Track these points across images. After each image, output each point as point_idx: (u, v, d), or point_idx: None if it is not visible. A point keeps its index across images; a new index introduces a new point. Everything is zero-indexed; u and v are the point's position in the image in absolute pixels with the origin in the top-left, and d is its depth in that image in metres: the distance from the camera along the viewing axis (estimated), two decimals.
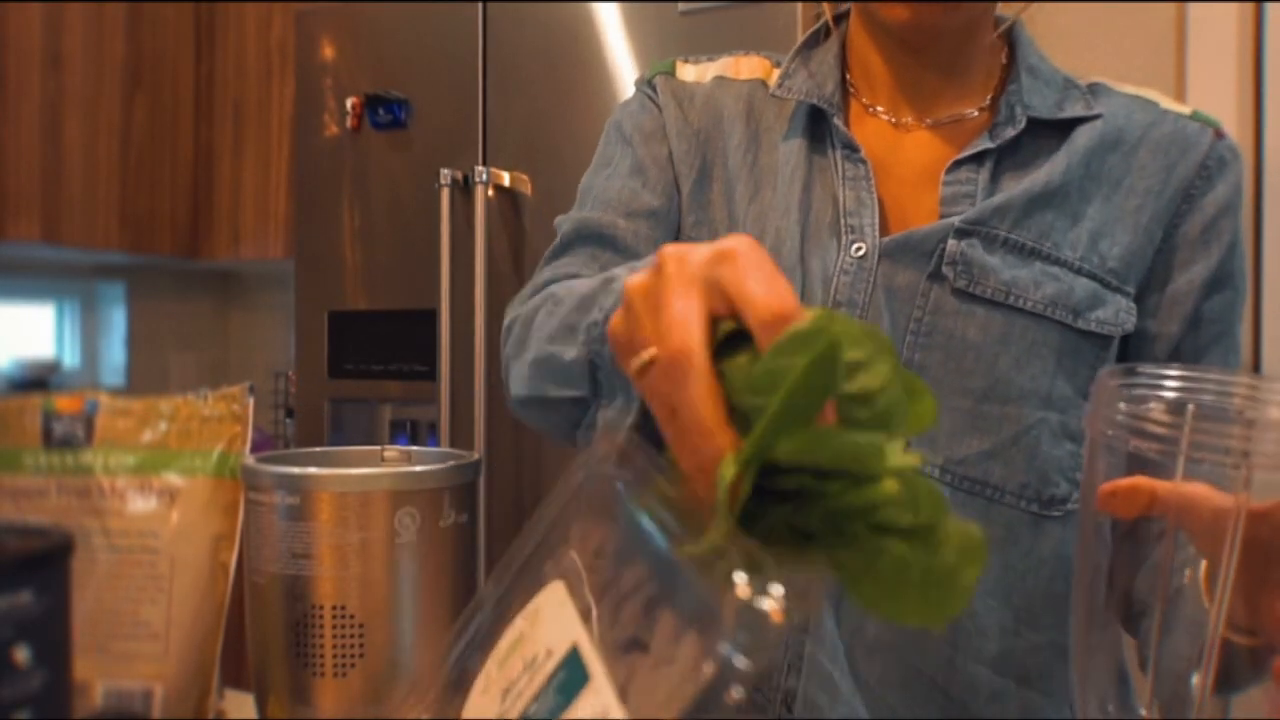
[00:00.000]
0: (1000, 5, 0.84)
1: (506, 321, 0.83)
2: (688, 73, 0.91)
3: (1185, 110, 0.83)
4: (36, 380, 2.75)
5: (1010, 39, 0.86)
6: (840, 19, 0.89)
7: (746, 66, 0.90)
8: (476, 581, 0.70)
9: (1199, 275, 0.80)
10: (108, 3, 2.63)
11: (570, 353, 0.69)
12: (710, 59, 0.92)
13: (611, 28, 1.90)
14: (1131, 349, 0.81)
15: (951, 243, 0.77)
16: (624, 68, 1.89)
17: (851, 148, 0.82)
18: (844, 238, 0.79)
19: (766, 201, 0.82)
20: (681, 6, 1.82)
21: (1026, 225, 0.78)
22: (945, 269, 0.77)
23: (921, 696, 0.77)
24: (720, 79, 0.90)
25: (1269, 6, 1.84)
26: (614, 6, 1.89)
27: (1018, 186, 0.79)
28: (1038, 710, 0.78)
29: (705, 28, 1.81)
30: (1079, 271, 0.78)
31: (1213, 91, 1.86)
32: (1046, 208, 0.78)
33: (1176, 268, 0.80)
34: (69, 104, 2.55)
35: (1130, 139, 0.81)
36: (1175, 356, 0.80)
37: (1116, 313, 0.78)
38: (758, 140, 0.86)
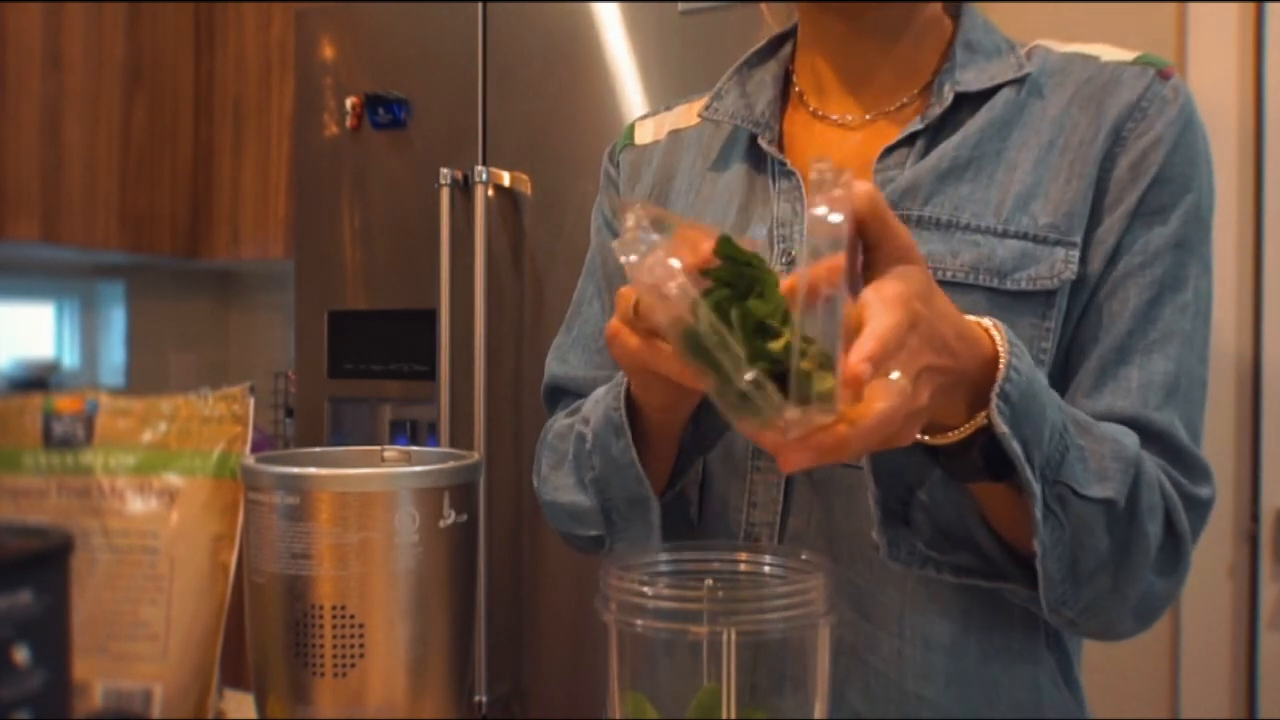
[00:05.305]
0: None
1: (543, 434, 0.91)
2: (646, 132, 0.96)
3: (1129, 57, 0.80)
4: (36, 380, 2.75)
5: (956, 17, 0.85)
6: (786, 37, 0.91)
7: (700, 107, 0.92)
8: (477, 581, 0.70)
9: (1122, 209, 0.76)
10: (108, 3, 2.63)
11: (584, 503, 0.80)
12: (668, 107, 0.97)
13: (611, 28, 1.90)
14: (1072, 298, 0.78)
15: None
16: (624, 68, 1.89)
17: (781, 162, 0.83)
18: (775, 248, 0.81)
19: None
20: (681, 6, 1.82)
21: (938, 201, 0.77)
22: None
23: (880, 694, 0.77)
24: (674, 133, 0.94)
25: (1269, 6, 1.84)
26: (614, 6, 1.89)
27: (924, 164, 0.78)
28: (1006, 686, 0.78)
29: (705, 28, 1.81)
30: (1004, 235, 0.76)
31: (1213, 91, 1.86)
32: (959, 180, 0.77)
33: (1106, 210, 0.77)
34: (69, 104, 2.55)
35: (1061, 96, 0.79)
36: (1095, 294, 0.77)
37: (1052, 266, 0.75)
38: (702, 176, 0.88)
